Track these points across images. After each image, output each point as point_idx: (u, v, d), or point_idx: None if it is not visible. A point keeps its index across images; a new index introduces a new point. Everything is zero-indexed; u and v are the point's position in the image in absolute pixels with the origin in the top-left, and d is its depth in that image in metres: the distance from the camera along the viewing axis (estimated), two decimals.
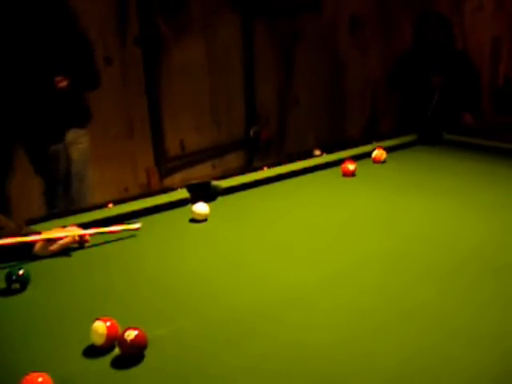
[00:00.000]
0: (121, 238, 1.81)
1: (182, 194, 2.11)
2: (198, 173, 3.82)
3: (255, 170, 2.43)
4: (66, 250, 1.72)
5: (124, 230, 1.83)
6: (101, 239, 1.79)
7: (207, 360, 1.19)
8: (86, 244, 1.77)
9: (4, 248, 1.62)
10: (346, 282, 1.51)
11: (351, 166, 2.36)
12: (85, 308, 1.41)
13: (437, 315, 1.34)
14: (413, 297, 1.42)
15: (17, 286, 1.47)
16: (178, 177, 3.81)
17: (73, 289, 1.53)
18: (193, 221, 1.94)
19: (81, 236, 1.76)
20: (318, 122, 4.48)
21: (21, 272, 1.47)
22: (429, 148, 2.73)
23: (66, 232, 1.74)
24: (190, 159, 3.92)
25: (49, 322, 1.36)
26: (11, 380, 1.11)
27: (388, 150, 2.59)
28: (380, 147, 2.58)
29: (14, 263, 1.60)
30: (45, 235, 1.70)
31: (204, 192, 2.11)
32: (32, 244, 1.68)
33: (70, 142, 3.03)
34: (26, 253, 1.68)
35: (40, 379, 1.07)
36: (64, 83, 2.87)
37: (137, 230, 1.85)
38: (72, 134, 3.04)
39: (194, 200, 2.04)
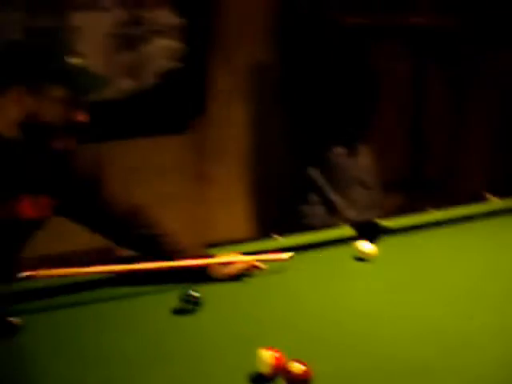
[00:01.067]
0: (282, 270, 1.83)
1: (347, 231, 2.11)
2: None
3: (420, 211, 2.35)
4: (240, 276, 1.78)
5: (275, 260, 1.81)
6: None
7: None
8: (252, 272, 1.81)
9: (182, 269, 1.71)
10: None
11: None
12: (250, 336, 1.45)
13: None
14: None
15: (190, 307, 1.56)
16: None
17: (240, 316, 1.58)
18: (357, 259, 1.93)
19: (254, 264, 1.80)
20: (491, 163, 4.23)
21: (196, 294, 1.56)
22: None
23: (242, 258, 1.79)
24: None
25: (217, 345, 1.41)
26: None
27: None
28: None
29: (187, 283, 1.69)
30: (220, 259, 1.77)
31: (369, 230, 2.08)
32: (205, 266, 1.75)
33: None
34: (200, 273, 1.75)
35: None
36: None
37: (287, 260, 1.81)
38: None
39: (359, 238, 2.02)
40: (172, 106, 3.31)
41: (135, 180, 3.10)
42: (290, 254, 1.82)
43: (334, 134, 3.36)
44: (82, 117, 1.64)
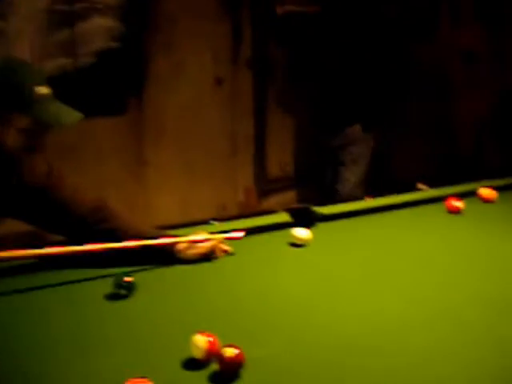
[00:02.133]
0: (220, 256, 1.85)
1: (283, 217, 2.13)
2: (296, 197, 3.83)
3: (357, 199, 2.42)
4: (208, 256, 1.80)
5: (227, 239, 1.87)
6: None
7: None
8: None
9: (148, 250, 1.72)
10: (437, 320, 1.46)
11: (458, 203, 2.29)
12: (187, 320, 1.45)
13: None
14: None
15: (123, 291, 1.54)
16: (275, 199, 3.84)
17: (174, 300, 1.58)
18: (292, 244, 1.95)
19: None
20: (424, 154, 4.38)
21: (129, 279, 1.54)
22: None
23: (210, 236, 1.82)
24: (289, 182, 3.94)
25: (152, 330, 1.41)
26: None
27: (497, 189, 2.49)
28: (488, 186, 2.48)
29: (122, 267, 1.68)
30: (189, 237, 1.79)
31: (305, 217, 2.11)
32: (173, 247, 1.77)
33: None
34: (168, 256, 1.76)
35: None
36: None
37: (239, 238, 1.88)
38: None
39: (294, 224, 2.05)
40: (109, 87, 3.23)
41: (71, 163, 3.02)
42: (243, 233, 1.90)
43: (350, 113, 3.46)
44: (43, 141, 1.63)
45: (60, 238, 1.78)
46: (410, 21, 3.91)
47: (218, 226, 2.03)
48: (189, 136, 3.52)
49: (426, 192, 2.50)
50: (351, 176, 3.47)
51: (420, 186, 2.57)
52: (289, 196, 3.89)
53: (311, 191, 3.86)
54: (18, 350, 1.30)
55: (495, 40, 4.53)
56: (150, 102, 3.37)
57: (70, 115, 1.64)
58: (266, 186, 3.87)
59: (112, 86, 3.24)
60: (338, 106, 3.47)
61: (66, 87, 2.92)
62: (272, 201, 3.81)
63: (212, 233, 1.88)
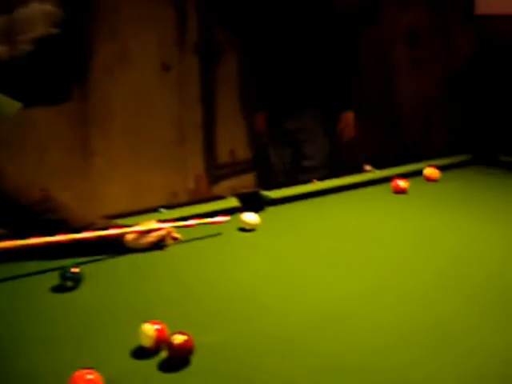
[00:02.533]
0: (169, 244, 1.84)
1: (232, 202, 2.14)
2: (247, 182, 3.84)
3: (305, 182, 2.44)
4: (160, 244, 1.79)
5: (213, 223, 1.90)
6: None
7: (250, 371, 1.20)
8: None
9: (97, 241, 1.69)
10: (387, 297, 1.50)
11: (403, 183, 2.34)
12: (133, 309, 1.44)
13: (477, 340, 1.31)
14: (454, 319, 1.40)
15: (70, 283, 1.52)
16: (226, 185, 3.84)
17: (123, 290, 1.57)
18: (241, 229, 1.96)
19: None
20: (371, 137, 4.45)
21: (76, 270, 1.52)
22: (484, 169, 2.68)
23: (159, 225, 1.80)
24: (239, 168, 3.95)
25: (100, 321, 1.39)
26: (59, 376, 1.13)
27: (441, 169, 2.56)
28: (433, 165, 2.54)
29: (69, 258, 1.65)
30: (138, 227, 1.77)
31: (253, 201, 2.12)
32: (122, 237, 1.75)
33: None
34: (117, 246, 1.74)
35: (89, 376, 1.09)
36: None
37: (226, 222, 1.92)
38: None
39: (243, 209, 2.05)
40: (50, 75, 3.15)
41: (12, 155, 2.94)
42: (228, 217, 1.93)
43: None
44: None
45: (2, 231, 1.74)
46: (355, 6, 3.95)
47: (166, 213, 2.02)
48: (136, 124, 3.47)
49: (372, 173, 2.54)
50: (315, 151, 3.52)
51: (367, 167, 2.61)
52: (240, 181, 3.89)
53: (261, 176, 3.88)
54: None
55: (438, 19, 4.63)
56: (95, 90, 3.30)
57: (7, 105, 1.59)
58: (216, 172, 3.86)
59: (53, 75, 3.16)
60: (290, 90, 3.48)
61: (3, 76, 2.85)
62: (223, 187, 3.81)
63: (162, 221, 1.86)
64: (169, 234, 1.82)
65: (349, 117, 3.64)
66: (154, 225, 1.81)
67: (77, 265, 1.56)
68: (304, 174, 3.28)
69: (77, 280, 1.53)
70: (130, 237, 1.77)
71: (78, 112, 3.28)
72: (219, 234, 1.93)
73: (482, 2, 4.45)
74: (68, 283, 1.52)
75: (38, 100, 3.07)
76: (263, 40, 3.51)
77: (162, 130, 3.59)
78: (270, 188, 2.29)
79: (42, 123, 3.15)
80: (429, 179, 2.49)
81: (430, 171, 2.50)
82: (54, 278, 1.54)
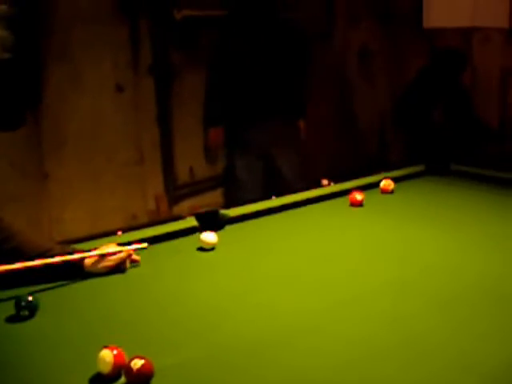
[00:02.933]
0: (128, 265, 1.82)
1: (191, 222, 2.13)
2: (207, 201, 3.84)
3: (263, 199, 2.45)
4: (121, 268, 1.77)
5: (133, 250, 1.84)
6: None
7: None
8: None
9: (54, 267, 1.66)
10: (350, 310, 1.52)
11: (359, 196, 2.37)
12: (92, 336, 1.42)
13: (438, 344, 1.34)
14: (416, 325, 1.43)
15: (26, 312, 1.48)
16: (186, 204, 3.83)
17: (81, 316, 1.54)
18: (201, 249, 1.95)
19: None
20: (327, 151, 4.51)
21: (30, 298, 1.49)
22: (437, 179, 2.74)
23: (119, 248, 1.78)
24: (199, 187, 3.94)
25: (56, 349, 1.36)
26: None
27: (396, 180, 2.60)
28: (388, 177, 2.59)
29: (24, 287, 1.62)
30: (97, 252, 1.75)
31: (212, 221, 2.12)
32: (81, 262, 1.72)
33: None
34: (76, 271, 1.72)
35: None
36: None
37: (144, 249, 1.87)
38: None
39: (202, 229, 2.05)
40: (5, 101, 3.10)
41: None
42: (145, 244, 1.89)
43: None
44: None
45: None
46: (307, 23, 4.02)
47: (124, 236, 2.00)
48: (92, 146, 3.43)
49: (329, 187, 2.57)
50: (290, 165, 3.54)
51: (324, 181, 2.64)
52: (202, 200, 3.88)
53: (222, 194, 3.88)
54: None
55: (388, 34, 4.75)
56: (47, 113, 3.26)
57: None
58: (176, 192, 3.85)
59: (7, 100, 3.11)
60: (250, 102, 3.47)
61: None
62: (183, 206, 3.79)
63: (119, 244, 1.85)
64: (129, 256, 1.80)
65: (301, 125, 3.68)
66: (110, 248, 1.79)
67: (31, 293, 1.52)
68: (279, 188, 3.28)
69: (32, 309, 1.49)
70: (89, 261, 1.74)
71: (32, 136, 3.23)
72: (179, 254, 1.92)
73: (430, 16, 4.60)
74: (24, 312, 1.48)
75: None
76: (220, 55, 3.52)
77: (120, 152, 3.57)
78: (237, 205, 2.29)
79: None
80: (384, 191, 2.54)
81: (383, 183, 2.55)
82: (9, 308, 1.51)
